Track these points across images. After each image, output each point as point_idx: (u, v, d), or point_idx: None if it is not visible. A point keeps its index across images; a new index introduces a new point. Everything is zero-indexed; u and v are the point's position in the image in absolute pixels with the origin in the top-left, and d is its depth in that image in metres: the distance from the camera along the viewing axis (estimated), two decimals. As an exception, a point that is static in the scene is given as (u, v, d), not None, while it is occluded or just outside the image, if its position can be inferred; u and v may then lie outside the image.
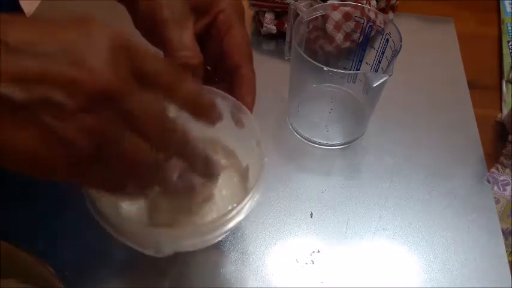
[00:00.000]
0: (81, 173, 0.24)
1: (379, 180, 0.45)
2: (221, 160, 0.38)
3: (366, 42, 0.47)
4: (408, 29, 0.48)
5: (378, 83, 0.37)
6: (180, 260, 0.38)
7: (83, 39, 0.21)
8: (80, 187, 0.29)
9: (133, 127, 0.23)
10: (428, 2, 0.64)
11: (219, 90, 0.35)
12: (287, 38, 0.46)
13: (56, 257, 0.35)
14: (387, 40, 0.42)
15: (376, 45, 0.45)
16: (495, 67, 0.57)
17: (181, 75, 0.26)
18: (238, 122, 0.35)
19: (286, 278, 0.38)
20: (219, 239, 0.34)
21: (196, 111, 0.27)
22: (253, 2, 0.56)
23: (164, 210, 0.34)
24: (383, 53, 0.43)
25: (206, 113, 0.28)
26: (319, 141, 0.47)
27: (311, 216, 0.42)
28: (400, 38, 0.40)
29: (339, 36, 0.49)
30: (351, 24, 0.47)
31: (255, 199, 0.31)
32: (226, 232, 0.31)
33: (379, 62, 0.45)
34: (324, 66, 0.39)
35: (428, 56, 0.57)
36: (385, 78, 0.38)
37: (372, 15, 0.45)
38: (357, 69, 0.49)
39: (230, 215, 0.30)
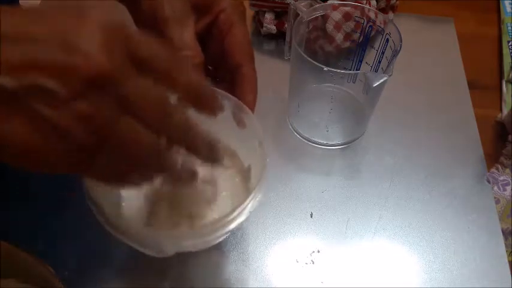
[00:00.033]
0: (80, 163, 0.23)
1: (379, 180, 0.45)
2: None
3: (366, 42, 0.47)
4: (408, 29, 0.48)
5: (378, 83, 0.37)
6: (180, 260, 0.38)
7: (75, 24, 0.21)
8: (80, 187, 0.29)
9: (130, 112, 0.22)
10: (428, 2, 0.64)
11: (220, 90, 0.35)
12: (287, 38, 0.46)
13: (56, 257, 0.35)
14: (387, 40, 0.42)
15: (376, 45, 0.45)
16: (495, 67, 0.57)
17: (181, 62, 0.25)
18: (239, 122, 0.35)
19: (286, 278, 0.38)
20: (221, 239, 0.34)
21: (198, 101, 0.26)
22: (253, 2, 0.56)
23: (165, 215, 0.34)
24: (383, 53, 0.43)
25: (208, 103, 0.27)
26: (319, 141, 0.47)
27: (311, 216, 0.42)
28: (400, 38, 0.40)
29: (339, 36, 0.49)
30: (351, 24, 0.47)
31: (257, 199, 0.31)
32: (228, 233, 0.31)
33: (379, 62, 0.45)
34: (324, 66, 0.39)
35: (428, 56, 0.57)
36: (385, 78, 0.38)
37: (372, 15, 0.45)
38: (357, 69, 0.49)
39: (232, 216, 0.30)
